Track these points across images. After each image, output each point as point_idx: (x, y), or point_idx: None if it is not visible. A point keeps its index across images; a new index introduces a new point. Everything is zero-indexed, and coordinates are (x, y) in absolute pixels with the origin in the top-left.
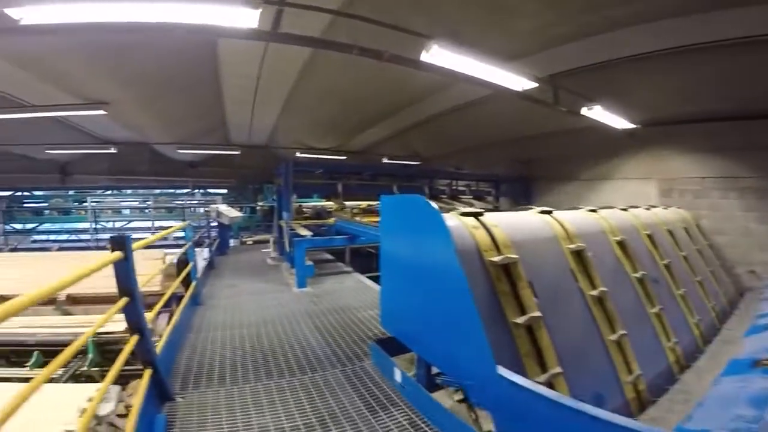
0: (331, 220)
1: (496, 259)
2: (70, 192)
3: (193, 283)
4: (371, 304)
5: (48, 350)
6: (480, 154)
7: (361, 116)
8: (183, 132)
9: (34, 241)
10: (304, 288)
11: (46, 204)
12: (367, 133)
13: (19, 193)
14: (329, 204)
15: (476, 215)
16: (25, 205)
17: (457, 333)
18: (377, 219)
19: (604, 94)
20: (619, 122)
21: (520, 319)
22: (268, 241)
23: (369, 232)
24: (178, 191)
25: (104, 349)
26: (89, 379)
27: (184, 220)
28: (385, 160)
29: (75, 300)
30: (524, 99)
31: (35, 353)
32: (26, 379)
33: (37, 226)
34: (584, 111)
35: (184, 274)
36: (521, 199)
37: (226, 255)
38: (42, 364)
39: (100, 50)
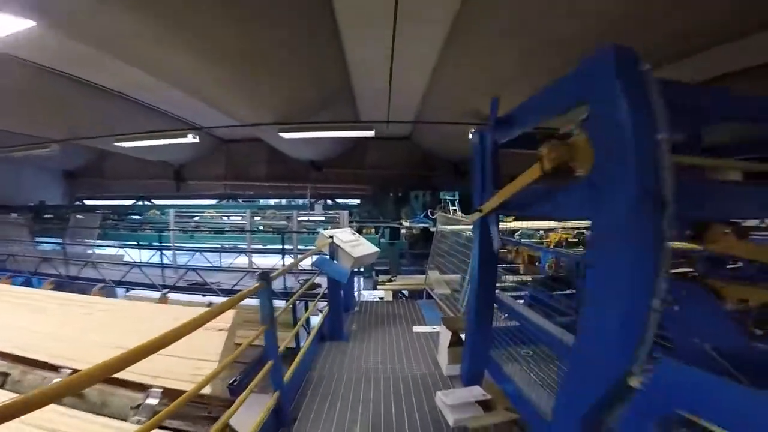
0: None
1: None
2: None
3: None
4: None
5: None
6: None
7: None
8: (288, 106)
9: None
10: None
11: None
12: None
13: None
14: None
15: None
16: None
17: None
18: None
19: None
20: None
21: None
22: (419, 294)
23: None
24: (296, 202)
25: None
26: None
27: (282, 248)
28: None
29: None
30: None
31: None
32: None
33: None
34: None
35: None
36: None
37: (341, 341)
38: None
39: None
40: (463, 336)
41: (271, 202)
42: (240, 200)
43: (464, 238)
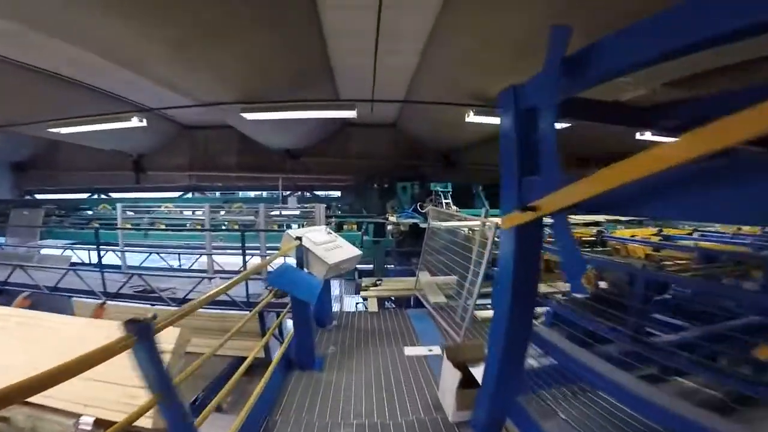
0: None
1: None
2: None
3: None
4: None
5: None
6: None
7: None
8: (253, 84)
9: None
10: None
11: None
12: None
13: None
14: None
15: None
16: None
17: None
18: None
19: None
20: None
21: None
22: (407, 300)
23: None
24: (277, 194)
25: None
26: None
27: (243, 249)
28: None
29: None
30: None
31: None
32: None
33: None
34: None
35: None
36: None
37: (312, 369)
38: None
39: None
40: (474, 370)
41: (251, 194)
42: (216, 193)
43: (462, 237)
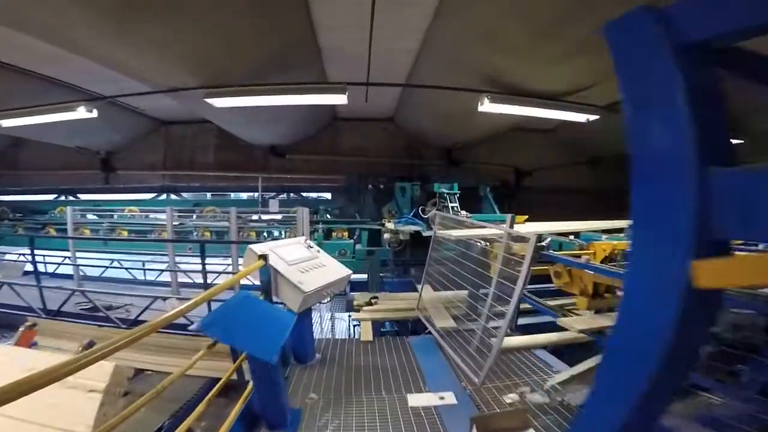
0: None
1: None
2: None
3: None
4: None
5: None
6: None
7: None
8: (224, 67)
9: None
10: None
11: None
12: None
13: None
14: None
15: None
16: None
17: None
18: None
19: None
20: None
21: None
22: (408, 322)
23: None
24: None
25: None
26: None
27: (203, 264)
28: None
29: None
30: None
31: None
32: None
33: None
34: None
35: None
36: None
37: (283, 431)
38: None
39: None
40: None
41: (243, 195)
42: (207, 195)
43: (478, 250)
